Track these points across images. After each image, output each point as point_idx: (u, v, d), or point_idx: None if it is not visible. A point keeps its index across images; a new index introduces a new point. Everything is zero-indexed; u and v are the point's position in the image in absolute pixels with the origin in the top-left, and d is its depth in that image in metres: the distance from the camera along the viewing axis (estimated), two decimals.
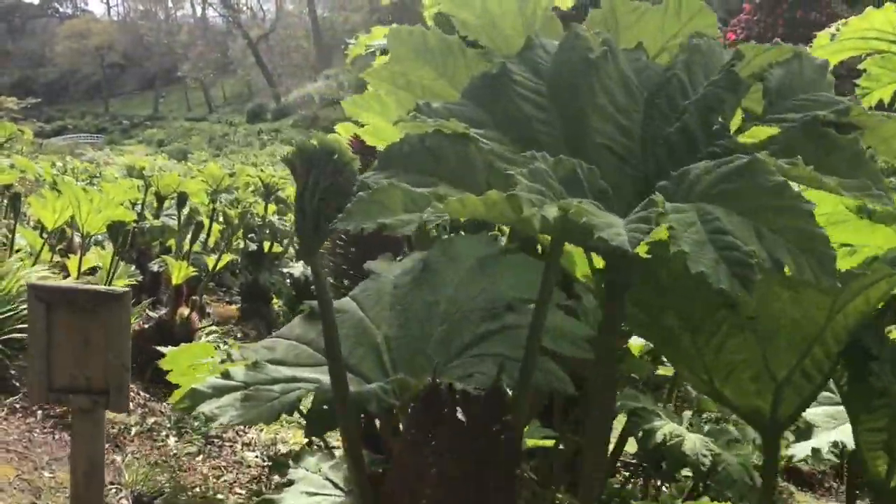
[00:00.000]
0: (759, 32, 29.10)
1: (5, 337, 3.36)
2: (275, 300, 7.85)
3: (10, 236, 5.67)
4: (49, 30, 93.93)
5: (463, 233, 2.70)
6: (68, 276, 5.12)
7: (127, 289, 1.56)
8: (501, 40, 1.22)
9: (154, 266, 6.89)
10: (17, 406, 3.27)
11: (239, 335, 6.80)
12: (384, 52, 2.60)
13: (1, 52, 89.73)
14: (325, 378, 1.54)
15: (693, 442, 2.77)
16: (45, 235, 7.38)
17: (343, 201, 1.47)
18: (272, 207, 7.79)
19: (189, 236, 5.97)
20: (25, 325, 3.43)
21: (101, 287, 1.50)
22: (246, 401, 1.40)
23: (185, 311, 4.39)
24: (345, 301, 1.76)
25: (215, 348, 4.88)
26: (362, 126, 3.47)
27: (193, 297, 4.40)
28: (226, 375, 1.50)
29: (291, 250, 8.72)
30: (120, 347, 1.55)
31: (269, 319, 7.48)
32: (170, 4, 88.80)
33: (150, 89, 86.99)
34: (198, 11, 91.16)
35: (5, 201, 8.04)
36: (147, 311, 4.68)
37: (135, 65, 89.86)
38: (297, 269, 8.20)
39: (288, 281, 8.04)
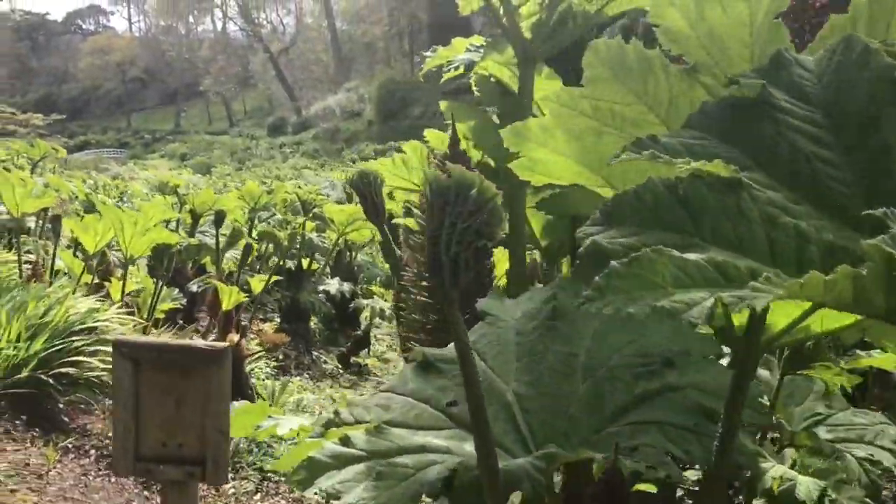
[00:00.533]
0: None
1: (55, 372, 3.18)
2: (312, 318, 7.69)
3: (45, 257, 5.54)
4: (72, 46, 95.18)
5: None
6: (111, 301, 4.97)
7: (227, 344, 1.37)
8: (719, 54, 1.01)
9: (193, 286, 6.74)
10: (70, 446, 3.10)
11: (280, 356, 6.63)
12: (469, 66, 2.41)
13: (26, 70, 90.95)
14: (457, 445, 1.34)
15: (807, 486, 2.54)
16: (78, 254, 7.28)
17: (484, 244, 1.27)
18: (310, 224, 7.62)
19: (224, 254, 5.81)
20: (76, 359, 3.26)
21: (198, 342, 1.31)
22: (378, 479, 1.19)
23: (234, 337, 4.20)
24: None
25: (272, 376, 4.69)
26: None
27: (243, 323, 4.22)
28: (345, 442, 1.30)
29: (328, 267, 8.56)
30: (219, 412, 1.35)
31: (308, 338, 7.31)
32: (191, 20, 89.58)
33: (172, 104, 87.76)
34: (218, 26, 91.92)
35: (40, 222, 7.93)
36: (195, 336, 4.51)
37: (156, 80, 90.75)
38: (333, 286, 8.04)
39: (322, 296, 7.87)
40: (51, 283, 4.89)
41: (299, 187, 9.01)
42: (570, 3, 1.98)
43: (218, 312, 5.28)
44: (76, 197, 8.61)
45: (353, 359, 7.49)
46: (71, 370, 3.22)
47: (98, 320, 3.48)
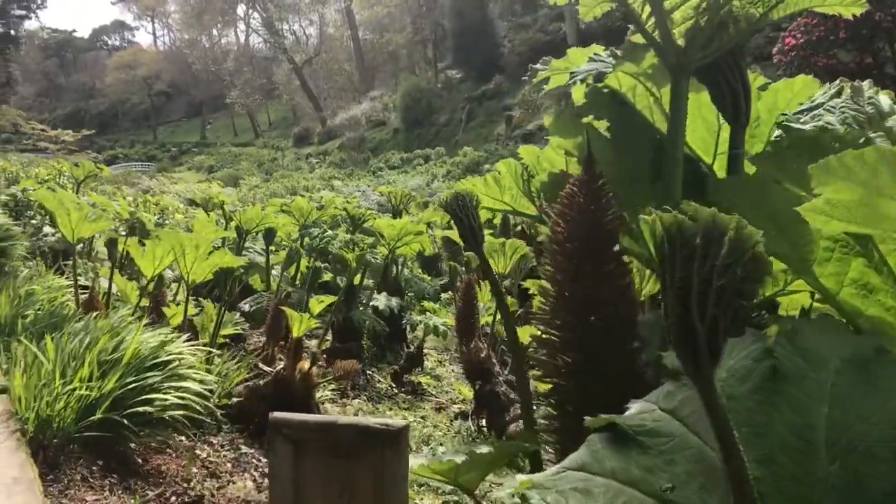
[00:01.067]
0: (819, 36, 28.26)
1: (130, 411, 2.99)
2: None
3: (93, 278, 5.38)
4: (98, 62, 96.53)
5: None
6: (168, 325, 4.80)
7: (405, 422, 1.15)
8: None
9: (245, 306, 6.57)
10: (150, 495, 2.90)
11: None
12: (599, 78, 2.18)
13: (54, 87, 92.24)
14: None
15: None
16: (122, 273, 7.14)
17: (747, 301, 1.05)
18: (368, 240, 7.42)
19: (282, 274, 5.62)
20: (150, 396, 3.07)
21: (369, 420, 1.09)
22: None
23: (304, 364, 4.00)
24: (659, 417, 1.32)
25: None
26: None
27: (314, 351, 4.02)
28: None
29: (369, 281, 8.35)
30: (396, 500, 1.14)
31: (361, 358, 7.11)
32: (214, 33, 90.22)
33: (197, 116, 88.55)
34: (241, 39, 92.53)
35: (84, 242, 7.81)
36: (260, 363, 4.31)
37: (181, 93, 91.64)
38: (381, 301, 7.83)
39: (369, 310, 7.67)
40: (107, 311, 4.73)
41: (348, 202, 8.84)
42: (731, 6, 1.74)
43: (277, 336, 5.10)
44: (118, 214, 8.46)
45: (405, 377, 7.28)
46: (146, 409, 3.03)
47: (170, 353, 3.29)
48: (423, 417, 6.00)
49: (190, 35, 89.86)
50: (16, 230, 6.86)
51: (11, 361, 3.68)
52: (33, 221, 7.84)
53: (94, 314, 4.16)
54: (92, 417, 2.94)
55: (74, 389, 2.92)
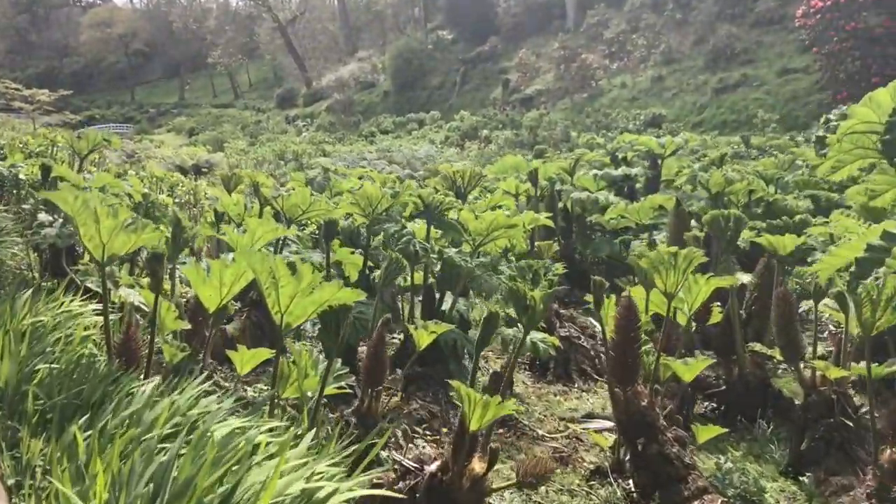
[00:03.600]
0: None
1: None
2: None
3: (132, 306, 3.89)
4: (72, 19, 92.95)
5: None
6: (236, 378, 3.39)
7: None
8: None
9: (308, 324, 5.15)
10: None
11: (425, 414, 5.04)
12: None
13: (25, 44, 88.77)
14: None
15: None
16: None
17: None
18: (435, 233, 5.98)
19: (378, 291, 4.21)
20: None
21: None
22: None
23: (478, 467, 2.61)
24: None
25: None
26: None
27: (494, 446, 2.62)
28: None
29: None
30: None
31: (447, 386, 5.72)
32: None
33: (175, 76, 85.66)
34: None
35: None
36: (392, 452, 2.90)
37: (159, 52, 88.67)
38: (447, 305, 6.45)
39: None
40: (150, 359, 3.29)
41: (422, 187, 7.39)
42: None
43: (378, 382, 3.70)
44: (129, 197, 6.90)
45: None
46: None
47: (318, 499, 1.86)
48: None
49: None
50: (6, 221, 5.37)
51: (24, 480, 2.26)
52: (25, 206, 6.30)
53: (151, 381, 2.73)
54: None
55: None
